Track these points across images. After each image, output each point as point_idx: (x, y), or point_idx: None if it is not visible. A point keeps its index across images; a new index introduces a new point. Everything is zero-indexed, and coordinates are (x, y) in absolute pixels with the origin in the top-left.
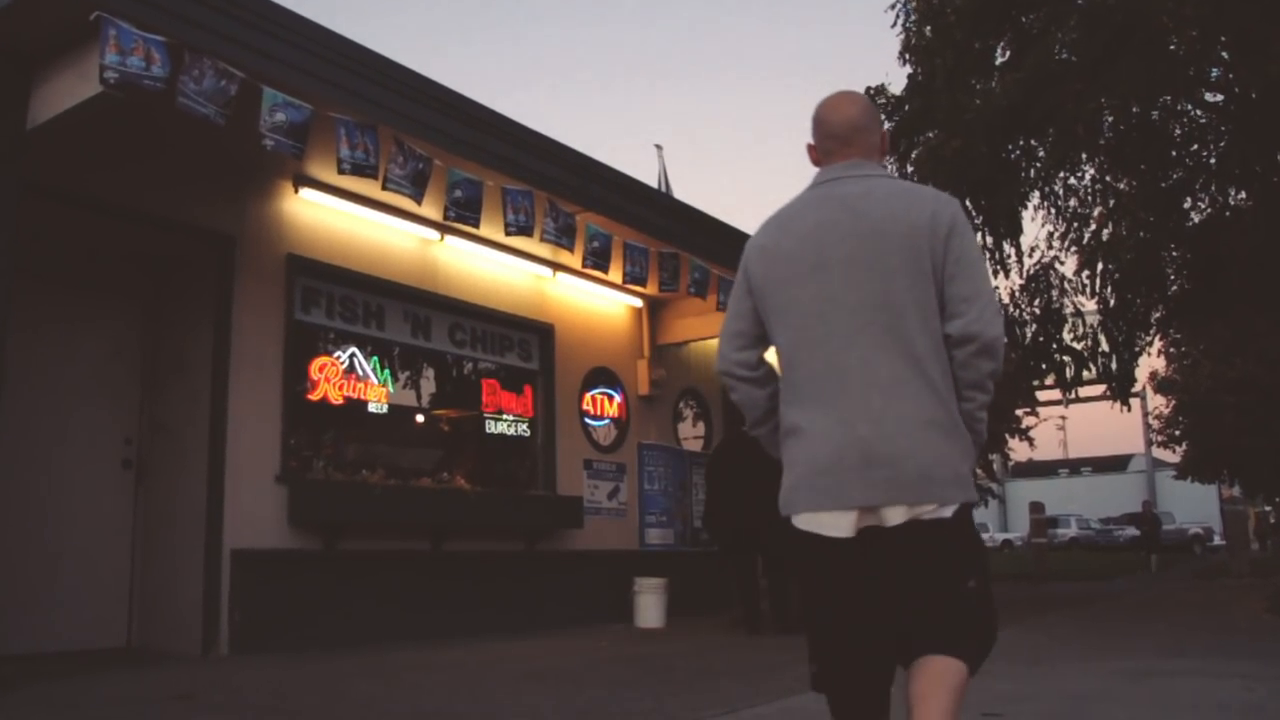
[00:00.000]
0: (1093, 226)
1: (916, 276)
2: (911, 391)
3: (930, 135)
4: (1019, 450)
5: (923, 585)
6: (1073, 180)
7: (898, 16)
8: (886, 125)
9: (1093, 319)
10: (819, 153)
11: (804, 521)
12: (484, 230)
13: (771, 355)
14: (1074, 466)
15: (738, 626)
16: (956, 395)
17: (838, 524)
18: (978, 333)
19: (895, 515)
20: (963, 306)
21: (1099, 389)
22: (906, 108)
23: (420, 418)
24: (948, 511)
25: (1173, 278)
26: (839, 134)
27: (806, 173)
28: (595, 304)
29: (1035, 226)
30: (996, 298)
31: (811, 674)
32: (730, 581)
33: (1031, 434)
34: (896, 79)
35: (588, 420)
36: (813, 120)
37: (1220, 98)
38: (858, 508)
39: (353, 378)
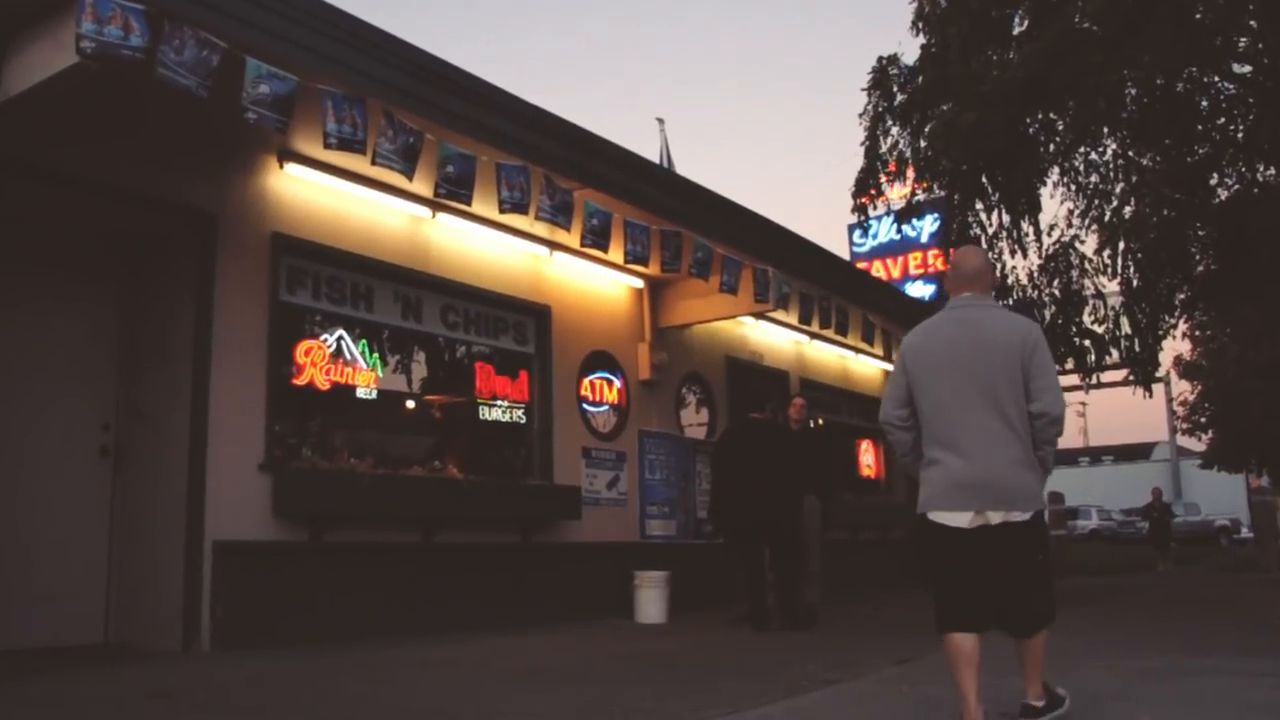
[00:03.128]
0: (1114, 204)
1: (1012, 373)
2: (1007, 442)
3: (945, 108)
4: None
5: (1010, 559)
6: (1094, 155)
7: None
8: (900, 98)
9: (1114, 301)
10: (951, 285)
11: (939, 516)
12: (477, 208)
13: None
14: (1095, 455)
15: (743, 622)
16: (1033, 446)
17: (960, 520)
18: (1050, 410)
19: (996, 517)
20: (1041, 394)
21: (1121, 374)
22: (920, 79)
23: (411, 403)
24: (1027, 516)
25: (1198, 257)
26: (967, 275)
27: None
28: (594, 285)
29: (1054, 204)
30: (1060, 385)
31: (937, 623)
32: (735, 575)
33: None
34: (909, 49)
35: (586, 406)
36: (950, 263)
37: (1249, 69)
38: (974, 510)
39: (340, 362)
